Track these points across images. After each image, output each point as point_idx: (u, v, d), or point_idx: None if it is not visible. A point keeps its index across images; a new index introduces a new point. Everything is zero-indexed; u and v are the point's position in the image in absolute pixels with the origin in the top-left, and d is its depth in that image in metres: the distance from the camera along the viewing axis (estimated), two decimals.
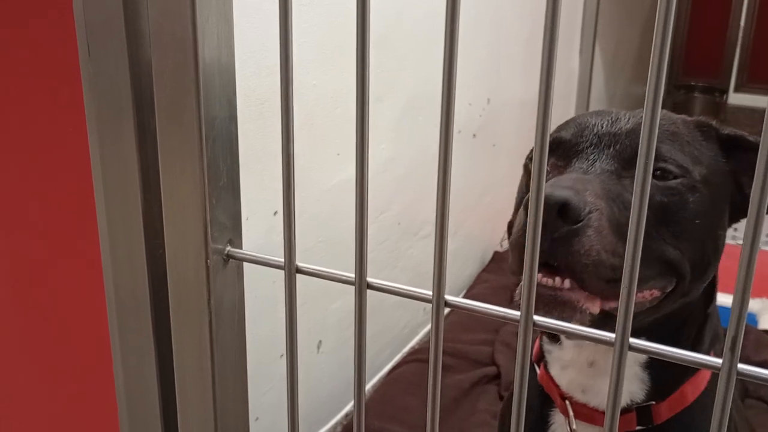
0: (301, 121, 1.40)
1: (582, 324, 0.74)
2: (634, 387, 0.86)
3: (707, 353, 0.88)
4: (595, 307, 0.74)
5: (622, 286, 0.43)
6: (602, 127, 0.83)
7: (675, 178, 0.78)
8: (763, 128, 0.38)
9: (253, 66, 1.24)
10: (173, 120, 0.52)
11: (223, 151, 0.54)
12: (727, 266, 1.28)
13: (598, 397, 0.87)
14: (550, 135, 0.87)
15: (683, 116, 0.87)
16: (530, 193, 0.44)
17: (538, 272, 0.74)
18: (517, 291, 0.77)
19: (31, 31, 0.62)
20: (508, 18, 2.20)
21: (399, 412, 1.62)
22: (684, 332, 0.86)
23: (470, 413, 1.65)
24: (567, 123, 0.88)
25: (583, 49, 2.82)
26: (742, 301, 0.40)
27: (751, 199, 0.40)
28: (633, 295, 0.43)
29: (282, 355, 1.46)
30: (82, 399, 0.76)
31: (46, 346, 0.76)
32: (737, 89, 4.24)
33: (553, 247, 0.71)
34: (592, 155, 0.81)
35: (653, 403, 0.86)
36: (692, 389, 0.87)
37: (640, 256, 0.43)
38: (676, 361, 0.44)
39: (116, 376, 0.63)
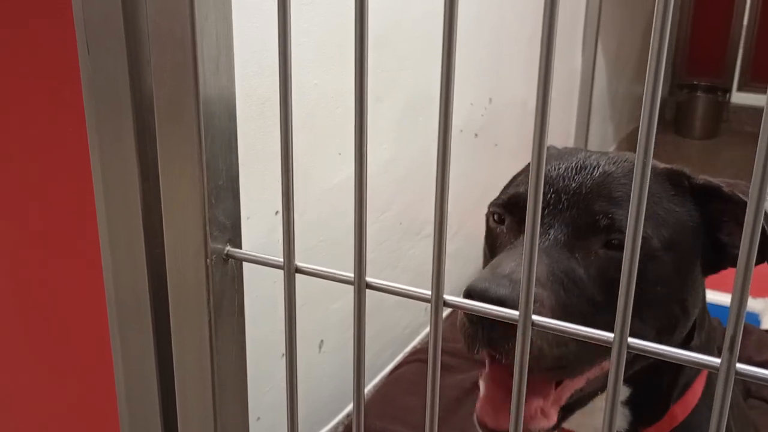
0: (302, 120, 1.40)
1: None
2: (619, 421, 0.85)
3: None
4: (549, 421, 0.75)
5: (621, 284, 0.42)
6: (563, 181, 0.79)
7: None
8: (762, 126, 0.38)
9: (254, 66, 1.24)
10: (172, 119, 0.52)
11: (222, 151, 0.54)
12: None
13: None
14: (509, 189, 0.86)
15: (655, 163, 0.82)
16: (529, 197, 0.44)
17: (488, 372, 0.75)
18: (476, 414, 0.79)
19: (31, 30, 0.62)
20: (510, 17, 2.20)
21: (400, 413, 1.62)
22: (666, 372, 0.85)
23: (472, 413, 1.65)
24: (525, 173, 0.87)
25: (585, 48, 2.82)
26: (740, 300, 0.40)
27: (749, 201, 0.40)
28: (631, 295, 0.42)
29: (283, 355, 1.46)
30: (82, 398, 0.76)
31: (46, 346, 0.76)
32: (740, 88, 4.23)
33: (493, 342, 0.70)
34: (548, 219, 0.78)
35: (642, 429, 0.86)
36: (681, 410, 0.86)
37: (638, 260, 0.43)
38: (676, 362, 0.44)
39: (116, 375, 0.63)
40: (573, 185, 0.79)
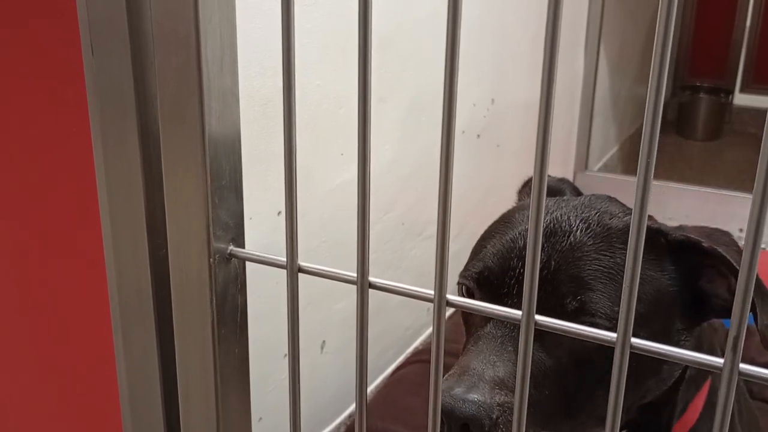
0: (305, 121, 1.40)
1: None
2: None
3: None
4: None
5: (624, 285, 0.42)
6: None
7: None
8: (765, 128, 0.38)
9: (256, 66, 1.24)
10: (176, 119, 0.52)
11: (226, 151, 0.54)
12: None
13: None
14: (477, 262, 0.80)
15: (620, 223, 0.77)
16: (531, 204, 0.44)
17: None
18: None
19: (35, 31, 0.62)
20: (512, 18, 2.20)
21: (402, 413, 1.62)
22: (664, 405, 0.83)
23: None
24: (496, 237, 0.80)
25: (587, 49, 2.82)
26: (743, 302, 0.40)
27: (752, 200, 0.40)
28: (634, 295, 0.42)
29: (285, 356, 1.46)
30: (85, 398, 0.76)
31: (49, 346, 0.76)
32: (743, 90, 4.22)
33: None
34: (516, 299, 0.74)
35: None
36: (681, 426, 0.84)
37: (640, 259, 0.43)
38: (679, 362, 0.44)
39: (119, 375, 0.63)
40: (542, 257, 0.74)
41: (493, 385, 0.69)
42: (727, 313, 0.78)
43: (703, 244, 0.75)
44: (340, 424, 1.72)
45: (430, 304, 0.48)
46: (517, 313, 0.47)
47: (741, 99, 4.24)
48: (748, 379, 0.42)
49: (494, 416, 0.67)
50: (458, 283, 0.85)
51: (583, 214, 0.78)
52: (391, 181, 1.73)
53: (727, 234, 0.80)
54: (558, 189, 0.94)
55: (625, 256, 0.76)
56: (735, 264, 0.73)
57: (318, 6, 1.37)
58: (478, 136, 2.11)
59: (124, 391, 0.63)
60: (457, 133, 0.45)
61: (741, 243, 0.83)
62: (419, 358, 1.84)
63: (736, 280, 0.77)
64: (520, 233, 0.78)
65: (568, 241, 0.75)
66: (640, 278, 0.73)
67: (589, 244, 0.75)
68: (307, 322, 1.53)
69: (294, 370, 0.55)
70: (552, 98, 0.42)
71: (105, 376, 0.69)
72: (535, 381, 0.71)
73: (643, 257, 0.75)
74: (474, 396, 0.67)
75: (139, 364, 0.62)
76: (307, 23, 1.36)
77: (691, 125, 4.05)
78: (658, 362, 0.76)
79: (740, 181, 3.26)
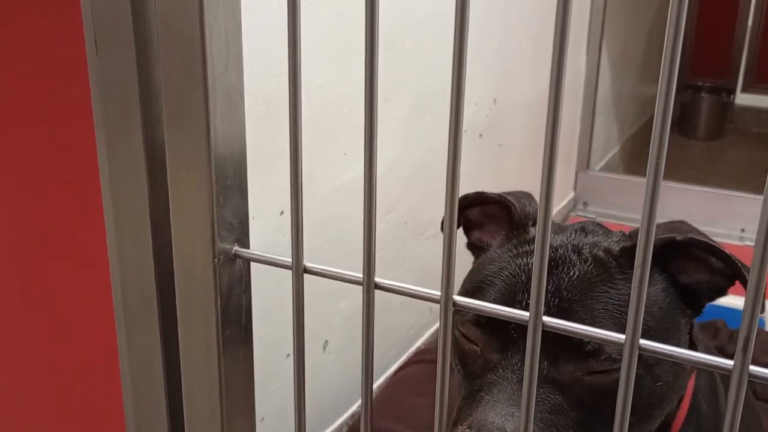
0: (307, 121, 1.40)
1: None
2: None
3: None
4: None
5: (633, 285, 0.42)
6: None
7: (617, 370, 0.68)
8: None
9: (260, 65, 1.23)
10: (181, 118, 0.52)
11: (230, 150, 0.54)
12: None
13: None
14: (476, 296, 0.77)
15: (614, 248, 0.77)
16: (539, 212, 0.44)
17: None
18: None
19: (38, 29, 0.62)
20: (515, 17, 2.19)
21: (405, 413, 1.62)
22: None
23: None
24: (495, 275, 0.78)
25: (589, 47, 2.82)
26: (754, 301, 0.40)
27: (763, 200, 0.39)
28: (644, 294, 0.42)
29: (288, 355, 1.46)
30: (88, 399, 0.76)
31: (52, 346, 0.76)
32: (744, 89, 4.22)
33: None
34: (520, 342, 0.72)
35: None
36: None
37: (650, 256, 0.42)
38: (685, 363, 0.44)
39: (123, 376, 0.63)
40: (549, 288, 0.73)
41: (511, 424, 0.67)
42: (714, 294, 0.80)
43: (678, 238, 0.76)
44: (342, 424, 1.71)
45: (432, 304, 0.48)
46: (524, 314, 0.47)
47: (743, 99, 4.23)
48: (757, 381, 0.42)
49: None
50: (453, 326, 0.82)
51: (579, 245, 0.77)
52: (394, 181, 1.73)
53: (684, 222, 0.81)
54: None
55: (627, 288, 0.74)
56: (712, 243, 0.75)
57: (320, 5, 1.37)
58: (481, 135, 2.10)
59: (128, 392, 0.63)
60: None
61: (741, 242, 0.84)
62: (422, 357, 1.84)
63: (715, 257, 0.78)
64: (520, 267, 0.76)
65: (575, 272, 0.74)
66: (648, 304, 0.73)
67: (594, 275, 0.74)
68: (309, 322, 1.52)
69: (299, 371, 0.54)
70: (561, 98, 0.42)
71: (108, 376, 0.68)
72: (555, 424, 0.70)
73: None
74: None
75: (142, 364, 0.61)
76: (310, 22, 1.35)
77: (693, 125, 4.05)
78: (675, 379, 0.76)
79: (742, 180, 3.25)
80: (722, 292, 0.80)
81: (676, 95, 0.39)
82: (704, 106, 4.04)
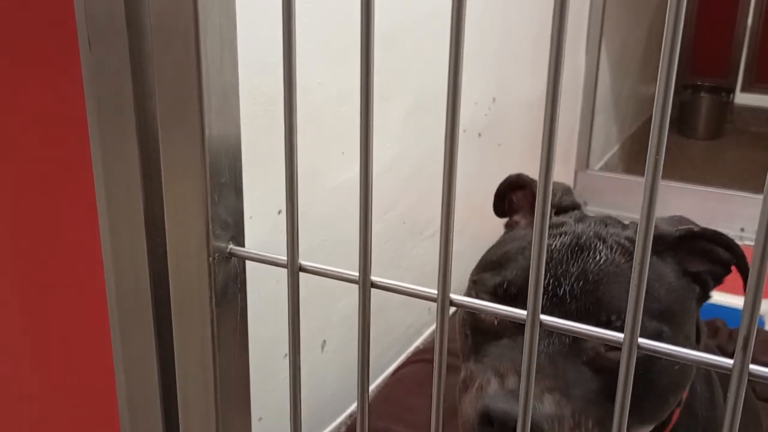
0: (306, 119, 1.39)
1: None
2: None
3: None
4: None
5: (632, 285, 0.42)
6: (562, 266, 0.73)
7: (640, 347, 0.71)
8: None
9: (257, 64, 1.23)
10: (175, 115, 0.52)
11: (225, 148, 0.54)
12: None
13: None
14: (493, 275, 0.78)
15: (630, 234, 0.78)
16: (537, 204, 0.44)
17: None
18: None
19: (30, 24, 0.62)
20: (514, 17, 2.19)
21: (403, 413, 1.61)
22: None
23: None
24: (512, 252, 0.79)
25: (589, 47, 2.81)
26: (754, 300, 0.39)
27: (763, 199, 0.39)
28: (642, 295, 0.42)
29: (286, 355, 1.46)
30: (82, 398, 0.76)
31: (46, 345, 0.75)
32: (744, 89, 4.22)
33: None
34: (548, 311, 0.72)
35: None
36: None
37: (648, 261, 0.42)
38: (686, 362, 0.43)
39: (117, 375, 0.62)
40: (574, 271, 0.73)
41: (541, 394, 0.68)
42: (714, 282, 0.82)
43: (695, 230, 0.80)
44: (340, 424, 1.71)
45: (431, 304, 0.47)
46: (522, 312, 0.46)
47: (742, 98, 4.23)
48: (756, 380, 0.42)
49: (552, 419, 0.66)
50: (469, 291, 0.83)
51: (602, 232, 0.78)
52: (392, 181, 1.73)
53: (683, 217, 0.85)
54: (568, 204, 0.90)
55: (653, 270, 0.76)
56: (725, 236, 0.80)
57: (319, 3, 1.37)
58: (480, 134, 2.10)
59: (122, 392, 0.62)
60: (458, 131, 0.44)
61: (740, 242, 0.85)
62: (420, 357, 1.84)
63: (723, 248, 0.81)
64: (549, 249, 0.77)
65: (601, 257, 0.74)
66: (657, 286, 0.75)
67: (618, 260, 0.75)
68: (307, 321, 1.52)
69: (294, 370, 0.54)
70: (558, 97, 0.41)
71: (103, 376, 0.68)
72: (576, 397, 0.70)
73: (656, 269, 0.76)
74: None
75: (137, 363, 0.61)
76: (309, 21, 1.35)
77: (693, 124, 4.04)
78: (681, 373, 0.77)
79: (742, 180, 3.25)
80: (719, 280, 0.83)
81: (675, 95, 0.39)
82: (704, 106, 4.04)
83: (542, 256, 0.44)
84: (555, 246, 0.75)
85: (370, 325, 0.51)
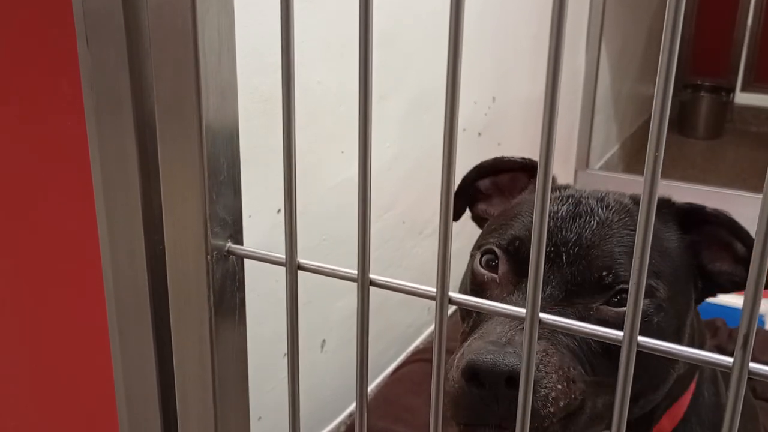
0: (305, 118, 1.39)
1: None
2: None
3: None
4: None
5: (631, 282, 0.42)
6: (561, 232, 0.75)
7: None
8: None
9: (257, 63, 1.23)
10: (173, 113, 0.51)
11: (223, 146, 0.53)
12: None
13: None
14: (505, 233, 0.79)
15: (634, 195, 0.80)
16: (536, 200, 0.43)
17: None
18: None
19: (28, 22, 0.61)
20: (514, 16, 2.19)
21: (403, 413, 1.61)
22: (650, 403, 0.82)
23: None
24: (522, 214, 0.81)
25: (588, 46, 2.81)
26: (754, 298, 0.39)
27: (762, 198, 0.39)
28: (641, 292, 0.42)
29: (285, 355, 1.45)
30: (80, 396, 0.75)
31: (43, 344, 0.75)
32: (744, 89, 4.21)
33: (505, 412, 0.65)
34: (547, 275, 0.74)
35: None
36: (669, 421, 0.84)
37: (647, 259, 0.42)
38: (686, 360, 0.43)
39: (115, 374, 0.62)
40: (571, 236, 0.75)
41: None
42: (732, 287, 0.81)
43: (707, 209, 0.79)
44: (340, 424, 1.71)
45: (431, 303, 0.47)
46: (521, 311, 0.46)
47: (742, 98, 4.23)
48: (757, 378, 0.41)
49: (540, 367, 0.66)
50: (474, 255, 0.83)
51: (599, 198, 0.79)
52: (391, 180, 1.72)
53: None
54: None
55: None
56: (740, 224, 0.77)
57: (319, 2, 1.36)
58: (479, 134, 2.10)
59: (121, 389, 0.62)
60: (458, 131, 0.44)
61: None
62: (420, 356, 1.84)
63: (741, 242, 0.79)
64: (549, 214, 0.77)
65: (595, 220, 0.76)
66: (660, 249, 0.76)
67: (615, 220, 0.77)
68: (306, 321, 1.52)
69: (293, 369, 0.54)
70: (557, 96, 0.41)
71: (101, 374, 0.68)
72: (571, 350, 0.71)
73: (658, 234, 0.77)
74: (513, 349, 0.65)
75: (135, 362, 0.61)
76: (308, 20, 1.35)
77: (693, 124, 4.04)
78: (683, 326, 0.78)
79: (742, 180, 3.25)
80: (740, 286, 0.81)
81: (675, 94, 0.38)
82: (704, 106, 4.03)
83: (541, 256, 0.44)
84: (555, 218, 0.77)
85: (368, 324, 0.50)
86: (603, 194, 0.81)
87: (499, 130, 2.20)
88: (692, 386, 0.87)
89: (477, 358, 0.65)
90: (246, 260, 0.57)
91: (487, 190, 0.93)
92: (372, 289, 0.50)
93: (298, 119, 0.49)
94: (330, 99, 1.44)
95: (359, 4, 0.44)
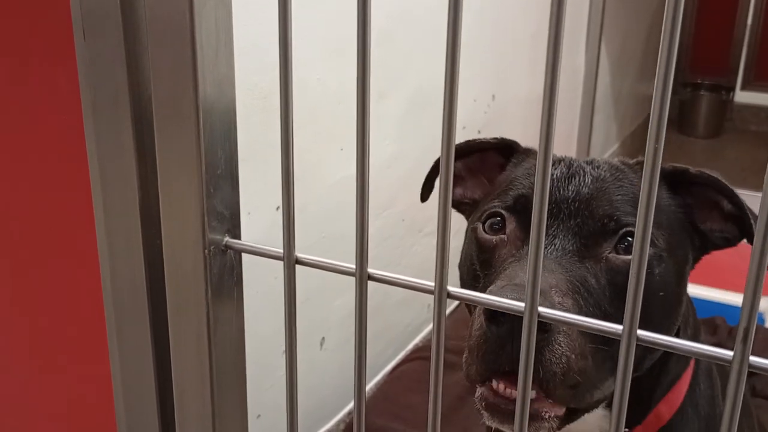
0: (305, 116, 1.39)
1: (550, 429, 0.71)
2: (603, 422, 0.83)
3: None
4: (560, 410, 0.72)
5: (631, 273, 0.41)
6: (559, 192, 0.78)
7: None
8: None
9: (256, 60, 1.23)
10: (171, 107, 0.51)
11: (221, 140, 0.53)
12: (733, 264, 1.26)
13: None
14: (508, 193, 0.82)
15: (626, 162, 0.84)
16: (534, 197, 0.43)
17: (498, 383, 0.70)
18: (477, 394, 0.74)
19: (25, 15, 0.61)
20: (513, 13, 2.18)
21: (402, 410, 1.61)
22: (648, 373, 0.83)
23: (474, 411, 1.64)
24: (522, 177, 0.84)
25: (588, 45, 2.81)
26: (754, 293, 0.39)
27: (763, 193, 0.39)
28: (641, 283, 0.41)
29: (284, 352, 1.45)
30: (78, 390, 0.75)
31: (41, 337, 0.75)
32: (744, 87, 4.21)
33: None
34: (551, 230, 0.76)
35: (627, 430, 0.84)
36: (667, 408, 0.85)
37: (647, 251, 0.41)
38: (685, 354, 0.43)
39: (113, 368, 0.62)
40: (569, 194, 0.78)
41: (549, 286, 0.69)
42: (724, 243, 0.85)
43: (691, 170, 0.82)
44: (339, 422, 1.71)
45: (430, 301, 0.47)
46: (519, 305, 0.46)
47: (742, 96, 4.23)
48: (757, 372, 0.41)
49: (557, 308, 0.67)
50: (473, 227, 0.84)
51: (588, 162, 0.83)
52: (391, 178, 1.72)
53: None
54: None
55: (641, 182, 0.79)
56: (724, 183, 0.82)
57: (319, 0, 1.36)
58: (479, 131, 2.09)
59: (118, 385, 0.62)
60: (458, 128, 0.44)
61: (740, 240, 0.85)
62: (419, 355, 1.83)
63: (727, 200, 0.82)
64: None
65: (589, 178, 0.79)
66: (655, 208, 0.77)
67: (608, 176, 0.80)
68: (306, 319, 1.52)
69: (291, 365, 0.53)
70: (555, 94, 0.41)
71: (99, 369, 0.68)
72: (581, 295, 0.72)
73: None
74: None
75: (133, 357, 0.60)
76: (308, 17, 1.35)
77: (692, 123, 4.04)
78: (682, 281, 0.80)
79: (741, 178, 3.24)
80: (731, 242, 0.85)
81: (675, 93, 0.38)
82: (703, 104, 4.03)
83: (539, 256, 0.44)
84: (554, 175, 0.80)
85: (367, 319, 0.50)
86: (591, 159, 0.85)
87: (498, 127, 2.20)
88: (689, 374, 0.87)
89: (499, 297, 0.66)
90: (245, 257, 0.56)
91: (459, 172, 0.95)
92: (372, 288, 0.49)
93: (298, 117, 0.49)
94: (329, 97, 1.44)
95: (357, 2, 0.44)
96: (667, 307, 0.79)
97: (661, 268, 0.76)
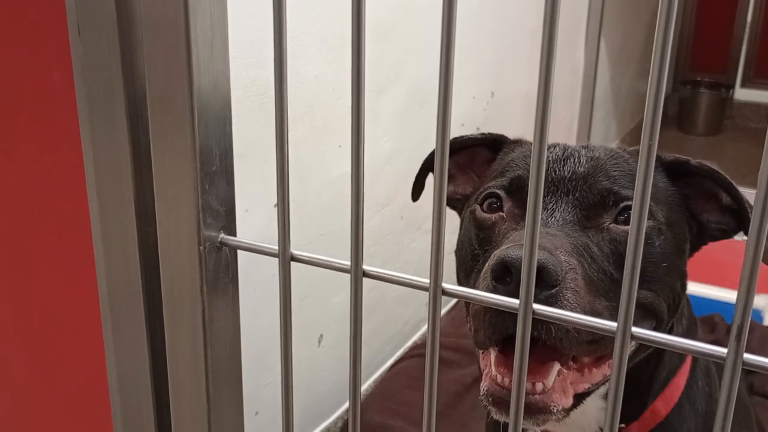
0: (303, 112, 1.39)
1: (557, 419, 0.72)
2: (602, 416, 0.83)
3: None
4: (568, 400, 0.72)
5: (625, 273, 0.41)
6: (555, 173, 0.79)
7: None
8: None
9: (253, 56, 1.22)
10: (165, 102, 0.51)
11: (216, 136, 0.53)
12: (732, 261, 1.26)
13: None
14: (503, 176, 0.84)
15: (624, 149, 0.86)
16: (529, 196, 0.43)
17: (503, 370, 0.70)
18: (483, 390, 0.74)
19: (19, 10, 0.61)
20: (512, 10, 2.18)
21: (400, 407, 1.61)
22: (645, 365, 0.84)
23: (472, 408, 1.64)
24: (517, 159, 0.85)
25: (588, 42, 2.80)
26: (748, 290, 0.39)
27: (757, 190, 0.39)
28: (635, 283, 0.41)
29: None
30: (74, 388, 0.75)
31: (36, 336, 0.75)
32: (743, 85, 4.21)
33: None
34: (551, 204, 0.77)
35: (623, 426, 0.85)
36: (664, 404, 0.86)
37: (641, 248, 0.41)
38: (679, 351, 0.43)
39: (108, 365, 0.62)
40: (566, 174, 0.79)
41: (554, 246, 0.70)
42: (721, 235, 0.86)
43: (692, 162, 0.83)
44: (337, 419, 1.71)
45: (428, 300, 0.47)
46: (514, 302, 0.46)
47: (742, 94, 4.22)
48: (751, 369, 0.41)
49: (563, 269, 0.67)
50: (471, 210, 0.85)
51: (582, 146, 0.85)
52: (389, 174, 1.72)
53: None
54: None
55: (636, 164, 0.80)
56: (723, 175, 0.82)
57: None
58: (478, 129, 2.09)
59: (114, 381, 0.62)
60: (456, 125, 0.44)
61: (740, 237, 0.85)
62: (417, 352, 1.83)
63: (725, 192, 0.83)
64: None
65: (584, 159, 0.81)
66: (654, 186, 0.78)
67: (603, 156, 0.82)
68: (304, 316, 1.52)
69: (286, 361, 0.53)
70: (549, 93, 0.41)
71: (94, 366, 0.67)
72: (585, 259, 0.73)
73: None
74: (541, 250, 0.67)
75: (128, 354, 0.60)
76: (305, 13, 1.34)
77: (692, 120, 4.04)
78: (681, 263, 0.81)
79: (741, 176, 3.23)
80: (728, 234, 0.85)
81: (674, 90, 0.38)
82: (703, 102, 4.03)
83: (534, 255, 0.44)
84: (549, 157, 0.81)
85: (362, 316, 0.50)
86: (586, 144, 0.86)
87: (497, 124, 2.19)
88: (686, 371, 0.88)
89: (505, 254, 0.66)
90: (242, 254, 0.56)
91: (450, 169, 0.96)
92: (370, 285, 0.49)
93: (295, 113, 0.48)
94: (327, 93, 1.44)
95: (352, 1, 0.44)
96: (667, 280, 0.79)
97: (661, 240, 0.77)
